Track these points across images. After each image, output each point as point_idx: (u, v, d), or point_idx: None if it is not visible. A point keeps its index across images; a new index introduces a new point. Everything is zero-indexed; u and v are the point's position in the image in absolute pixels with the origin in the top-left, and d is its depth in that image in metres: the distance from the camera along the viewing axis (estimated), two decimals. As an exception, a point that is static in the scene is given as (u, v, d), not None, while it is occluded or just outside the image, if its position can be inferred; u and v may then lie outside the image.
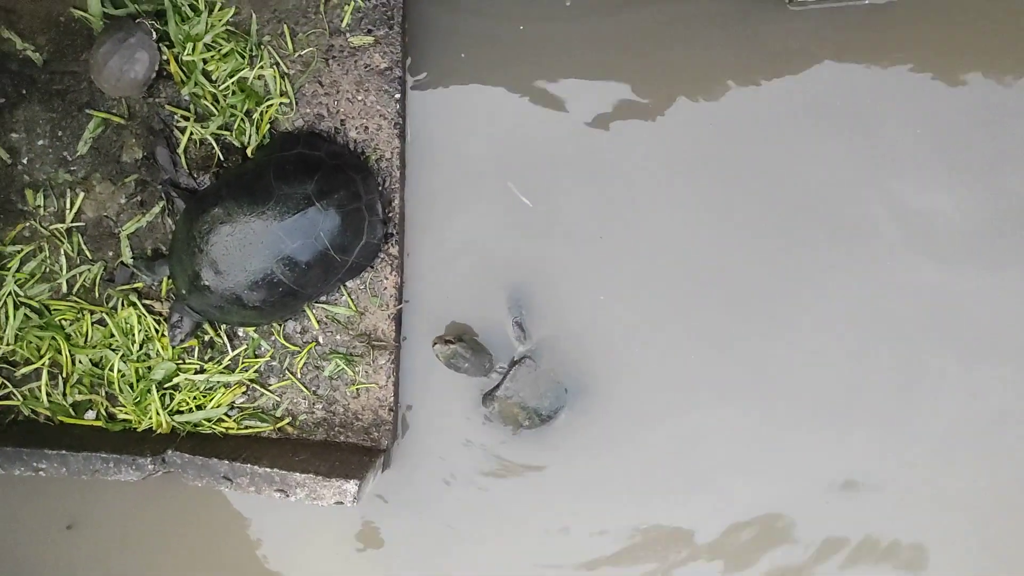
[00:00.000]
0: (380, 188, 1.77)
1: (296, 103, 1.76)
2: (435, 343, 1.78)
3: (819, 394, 1.79)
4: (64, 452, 1.74)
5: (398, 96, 1.76)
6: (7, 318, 1.80)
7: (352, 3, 1.72)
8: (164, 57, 1.72)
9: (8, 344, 1.80)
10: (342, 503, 1.73)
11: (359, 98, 1.76)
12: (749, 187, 1.78)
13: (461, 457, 1.86)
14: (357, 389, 1.83)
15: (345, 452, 1.83)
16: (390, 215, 1.79)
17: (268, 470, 1.73)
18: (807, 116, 1.76)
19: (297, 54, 1.74)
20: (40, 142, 1.79)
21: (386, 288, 1.82)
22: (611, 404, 1.82)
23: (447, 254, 1.84)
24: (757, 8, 1.74)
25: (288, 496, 1.74)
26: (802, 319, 1.79)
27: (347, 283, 1.81)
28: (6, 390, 1.82)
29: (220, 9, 1.72)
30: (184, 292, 1.71)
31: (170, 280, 1.78)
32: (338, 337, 1.83)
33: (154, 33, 1.69)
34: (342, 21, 1.74)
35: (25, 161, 1.79)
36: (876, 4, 1.70)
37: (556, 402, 1.83)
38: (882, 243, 1.76)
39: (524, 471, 1.85)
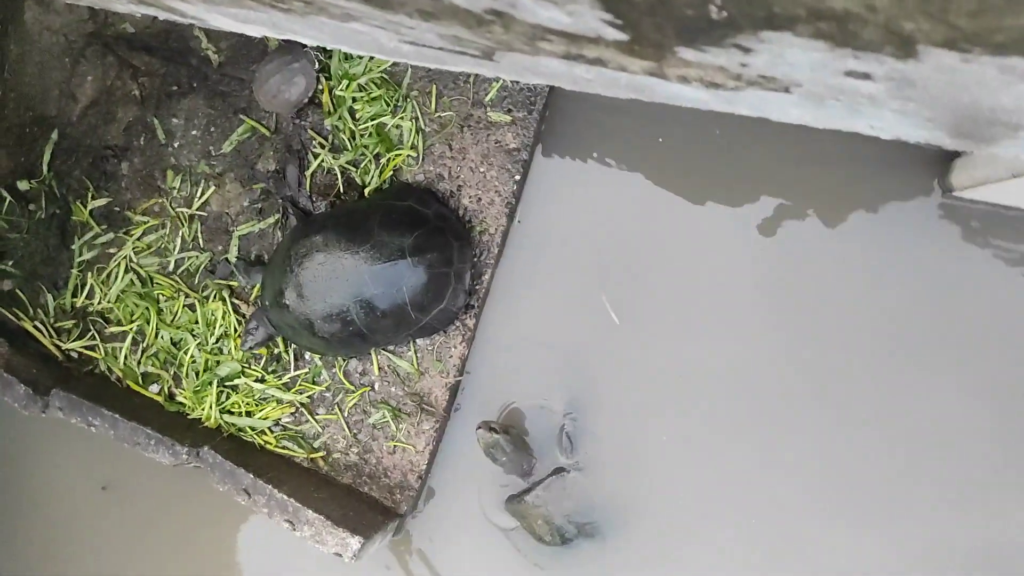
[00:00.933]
0: (475, 259, 1.77)
1: (423, 159, 1.80)
2: (480, 427, 1.73)
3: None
4: (117, 416, 1.82)
5: (518, 178, 1.77)
6: (116, 278, 1.93)
7: (500, 81, 1.75)
8: (320, 87, 1.83)
9: (109, 302, 1.93)
10: (340, 556, 1.70)
11: (481, 170, 1.78)
12: (855, 361, 1.62)
13: (467, 548, 1.78)
14: (395, 446, 1.81)
15: (363, 504, 1.80)
16: (477, 287, 1.78)
17: (285, 498, 1.73)
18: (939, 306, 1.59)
19: (437, 114, 1.79)
20: (193, 132, 1.93)
21: (452, 356, 1.80)
22: (641, 550, 1.68)
23: (521, 342, 1.80)
24: (913, 186, 1.61)
25: (294, 530, 1.72)
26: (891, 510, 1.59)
27: (417, 340, 1.80)
28: (94, 342, 1.95)
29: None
30: (267, 304, 1.77)
31: (260, 289, 1.85)
32: (393, 389, 1.82)
33: (317, 63, 1.80)
34: (487, 95, 1.77)
35: (176, 145, 1.94)
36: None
37: (583, 528, 1.72)
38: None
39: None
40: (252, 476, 1.75)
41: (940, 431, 1.57)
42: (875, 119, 0.57)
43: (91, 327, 1.96)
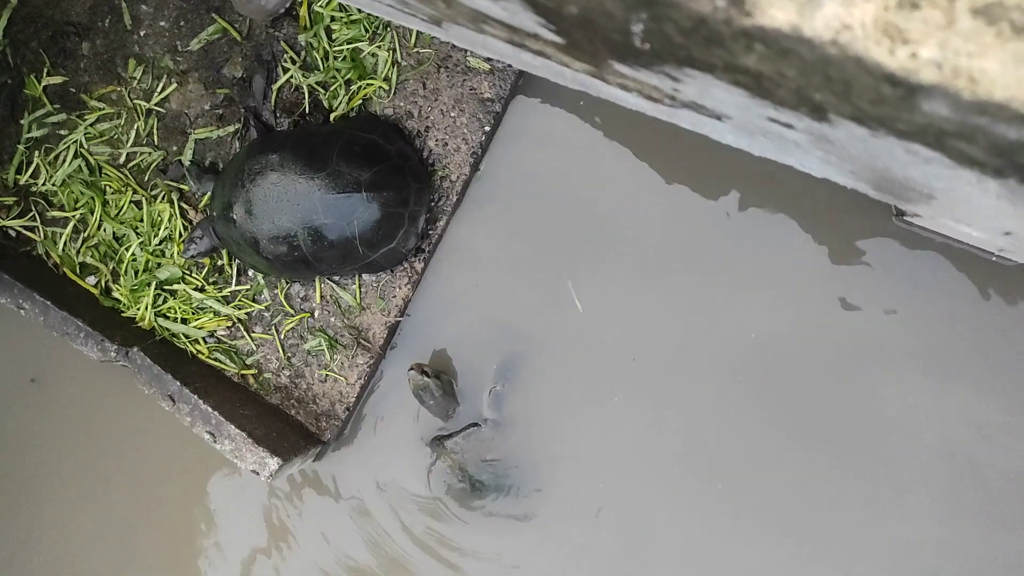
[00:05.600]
0: (431, 204, 1.75)
1: (394, 93, 1.75)
2: (412, 368, 1.75)
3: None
4: (48, 303, 1.80)
5: (487, 129, 1.73)
6: (63, 162, 1.87)
7: (483, 26, 1.70)
8: (299, -1, 1.75)
9: (54, 185, 1.88)
10: (257, 474, 1.72)
11: (452, 114, 1.74)
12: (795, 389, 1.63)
13: (382, 485, 1.82)
14: (327, 375, 1.82)
15: (287, 426, 1.82)
16: (430, 232, 1.77)
17: (210, 409, 1.74)
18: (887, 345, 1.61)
19: (416, 49, 1.74)
20: (162, 23, 1.85)
21: (395, 296, 1.79)
22: (542, 512, 1.74)
23: (467, 295, 1.79)
24: (868, 210, 1.61)
25: (215, 443, 1.74)
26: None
27: (363, 275, 1.79)
28: (34, 223, 1.90)
29: (366, -22, 1.73)
30: (214, 215, 1.73)
31: (209, 197, 1.81)
32: (332, 319, 1.82)
33: (299, -26, 1.72)
34: (468, 38, 1.72)
35: (142, 34, 1.86)
36: (983, 256, 1.55)
37: (494, 480, 1.76)
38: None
39: (424, 531, 1.80)
40: (179, 384, 1.75)
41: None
42: (804, 160, 0.56)
43: (32, 207, 1.91)
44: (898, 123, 0.39)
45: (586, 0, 0.39)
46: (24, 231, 1.92)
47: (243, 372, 1.85)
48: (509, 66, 1.71)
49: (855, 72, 0.36)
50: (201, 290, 1.85)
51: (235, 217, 1.67)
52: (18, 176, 1.91)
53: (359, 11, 1.73)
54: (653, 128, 1.69)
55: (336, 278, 1.80)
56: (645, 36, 0.40)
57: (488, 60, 1.71)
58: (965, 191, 0.45)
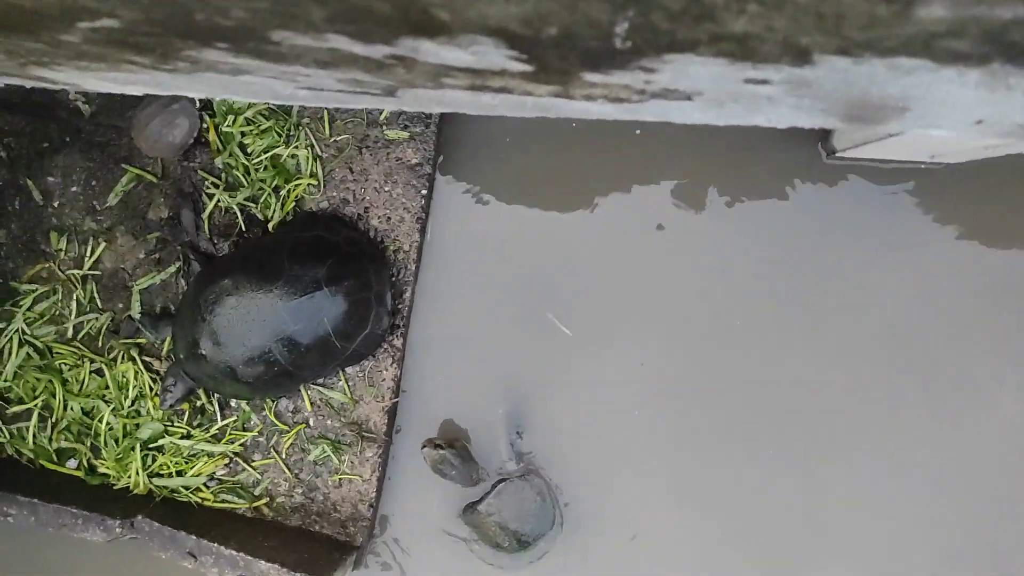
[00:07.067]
0: (393, 279, 1.75)
1: (324, 186, 1.76)
2: (424, 446, 1.72)
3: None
4: (35, 501, 1.70)
5: (424, 192, 1.75)
6: (9, 354, 1.80)
7: (392, 97, 1.73)
8: (204, 125, 1.75)
9: (6, 380, 1.80)
10: (302, 601, 1.65)
11: (386, 188, 1.76)
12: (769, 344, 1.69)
13: (429, 565, 1.77)
14: (340, 479, 1.77)
15: (317, 544, 1.76)
16: (399, 306, 1.76)
17: (234, 553, 1.67)
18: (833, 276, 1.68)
19: (333, 139, 1.75)
20: (73, 188, 1.81)
21: (384, 380, 1.77)
22: (595, 547, 1.71)
23: (453, 354, 1.79)
24: (800, 154, 1.69)
25: (248, 584, 1.66)
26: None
27: (346, 369, 1.76)
28: (-6, 426, 1.81)
29: (265, 86, 1.74)
30: (182, 357, 1.69)
31: (171, 342, 1.76)
32: (329, 422, 1.78)
33: (198, 102, 1.72)
34: (380, 114, 1.75)
35: (56, 204, 1.82)
36: (915, 166, 1.64)
37: (540, 527, 1.73)
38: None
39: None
40: (195, 537, 1.67)
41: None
42: (772, 114, 0.59)
43: (-10, 411, 1.82)
44: (886, 41, 0.42)
45: (568, 15, 0.41)
46: (-14, 437, 1.82)
47: (254, 504, 1.78)
48: (427, 127, 1.74)
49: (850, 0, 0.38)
50: (188, 437, 1.78)
51: (204, 352, 1.63)
52: (-35, 383, 1.82)
53: (265, 119, 1.74)
54: (582, 142, 1.74)
55: (320, 381, 1.77)
56: (628, 34, 0.42)
57: (406, 127, 1.74)
58: (943, 91, 0.48)
